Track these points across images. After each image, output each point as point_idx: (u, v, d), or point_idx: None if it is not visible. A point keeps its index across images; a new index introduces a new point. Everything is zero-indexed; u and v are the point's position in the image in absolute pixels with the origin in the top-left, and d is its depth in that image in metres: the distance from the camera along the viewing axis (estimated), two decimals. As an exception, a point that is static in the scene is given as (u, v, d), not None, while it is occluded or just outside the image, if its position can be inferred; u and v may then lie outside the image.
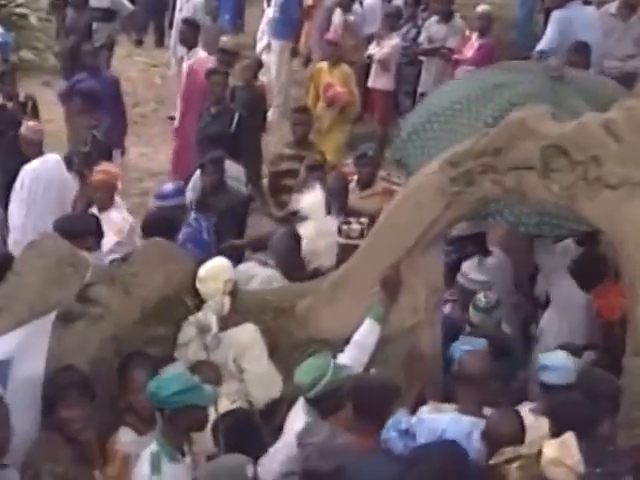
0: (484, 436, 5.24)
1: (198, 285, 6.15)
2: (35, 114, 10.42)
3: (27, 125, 9.29)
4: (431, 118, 7.51)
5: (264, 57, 13.37)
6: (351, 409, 5.42)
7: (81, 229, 7.15)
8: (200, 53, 11.62)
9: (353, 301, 6.21)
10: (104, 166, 8.59)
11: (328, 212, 7.90)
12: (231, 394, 5.99)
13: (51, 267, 5.97)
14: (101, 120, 9.99)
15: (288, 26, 13.87)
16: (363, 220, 7.38)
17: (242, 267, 7.40)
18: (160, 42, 16.43)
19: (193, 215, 8.47)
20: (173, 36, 14.22)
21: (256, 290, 6.72)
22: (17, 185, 8.77)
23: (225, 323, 6.06)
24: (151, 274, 6.22)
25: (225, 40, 11.91)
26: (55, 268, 5.98)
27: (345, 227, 7.39)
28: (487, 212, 6.53)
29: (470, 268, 7.34)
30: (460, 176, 6.06)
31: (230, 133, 9.99)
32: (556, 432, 5.17)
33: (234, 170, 9.22)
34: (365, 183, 8.61)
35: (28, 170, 8.78)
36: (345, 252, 7.02)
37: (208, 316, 5.99)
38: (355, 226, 7.34)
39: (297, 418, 5.64)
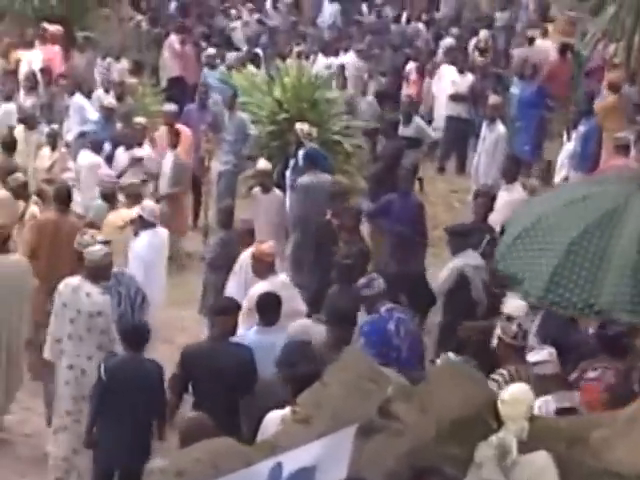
0: None
1: (500, 407, 6.03)
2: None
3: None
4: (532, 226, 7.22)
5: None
6: None
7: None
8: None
9: (649, 437, 5.91)
10: (264, 245, 9.00)
11: None
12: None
13: (353, 381, 6.05)
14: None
15: (587, 159, 13.69)
16: (523, 326, 7.48)
17: (299, 322, 7.96)
18: (461, 169, 16.60)
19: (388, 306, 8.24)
20: (474, 164, 14.35)
21: (551, 418, 6.54)
22: (236, 268, 9.50)
23: (521, 447, 5.90)
24: (447, 394, 6.16)
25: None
26: (357, 382, 6.05)
27: (504, 324, 7.48)
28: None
29: None
30: None
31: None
32: None
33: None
34: None
35: (245, 256, 9.44)
36: (499, 348, 7.42)
37: (509, 439, 5.87)
38: (513, 327, 7.42)
39: None
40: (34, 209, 10.79)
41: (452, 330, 8.38)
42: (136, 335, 7.69)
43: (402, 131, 14.33)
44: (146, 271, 9.54)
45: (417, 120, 14.77)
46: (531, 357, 7.31)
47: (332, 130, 15.15)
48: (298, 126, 13.10)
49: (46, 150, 13.00)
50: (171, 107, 14.07)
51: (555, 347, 7.50)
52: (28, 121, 13.35)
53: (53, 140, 12.97)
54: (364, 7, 24.77)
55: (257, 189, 11.70)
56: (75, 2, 18.26)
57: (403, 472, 5.78)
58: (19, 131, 13.29)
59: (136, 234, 9.92)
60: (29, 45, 17.21)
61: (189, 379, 7.61)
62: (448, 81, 17.12)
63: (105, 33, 19.19)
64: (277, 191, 11.65)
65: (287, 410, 6.41)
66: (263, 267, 8.84)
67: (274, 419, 6.44)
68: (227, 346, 7.66)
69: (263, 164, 11.90)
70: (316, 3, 24.73)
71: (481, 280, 9.53)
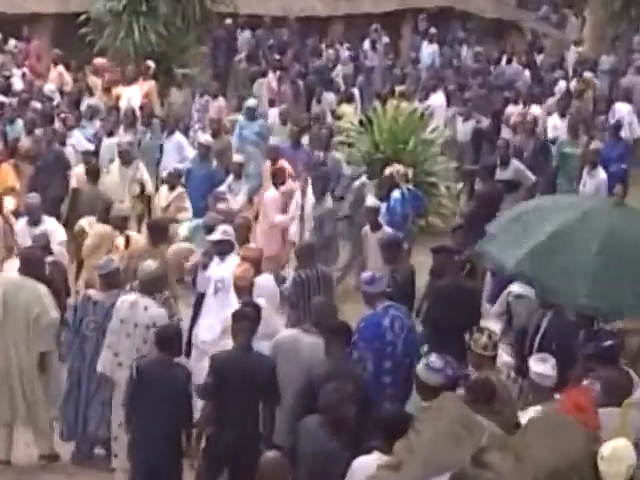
0: None
1: (600, 463, 5.93)
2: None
3: None
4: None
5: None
6: None
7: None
8: None
9: None
10: (238, 269, 9.17)
11: None
12: None
13: (446, 427, 5.99)
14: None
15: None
16: (493, 337, 7.64)
17: (287, 332, 8.18)
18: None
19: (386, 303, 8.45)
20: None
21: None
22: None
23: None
24: (544, 445, 6.06)
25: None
26: (450, 428, 5.98)
27: (476, 335, 7.63)
28: None
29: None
30: None
31: None
32: None
33: None
34: None
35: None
36: (471, 356, 7.61)
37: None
38: (483, 338, 7.58)
39: None
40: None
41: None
42: (169, 337, 7.91)
43: (500, 174, 14.13)
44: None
45: (515, 163, 14.58)
46: (535, 366, 7.39)
47: (428, 172, 15.10)
48: (392, 168, 13.07)
49: (164, 189, 13.19)
50: (274, 142, 14.20)
51: (558, 352, 7.78)
52: (123, 156, 13.54)
53: (173, 180, 13.11)
54: (464, 49, 24.70)
55: (366, 227, 11.71)
56: (174, 40, 18.57)
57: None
58: (115, 166, 13.50)
59: (222, 258, 9.75)
60: (130, 82, 17.52)
61: (220, 385, 7.74)
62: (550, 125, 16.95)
63: (202, 71, 19.48)
64: (386, 228, 11.64)
65: (375, 455, 6.34)
66: (238, 290, 9.10)
67: (362, 464, 6.37)
68: (252, 354, 7.88)
69: (371, 201, 11.87)
70: (415, 44, 24.75)
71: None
